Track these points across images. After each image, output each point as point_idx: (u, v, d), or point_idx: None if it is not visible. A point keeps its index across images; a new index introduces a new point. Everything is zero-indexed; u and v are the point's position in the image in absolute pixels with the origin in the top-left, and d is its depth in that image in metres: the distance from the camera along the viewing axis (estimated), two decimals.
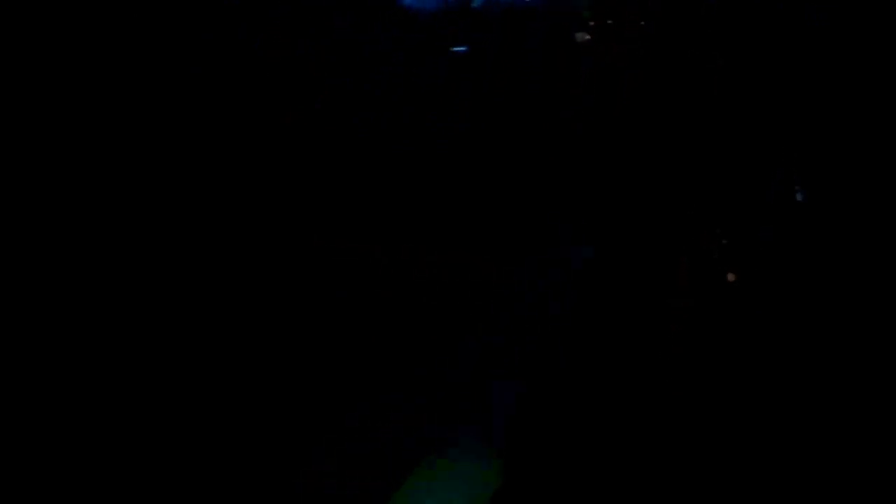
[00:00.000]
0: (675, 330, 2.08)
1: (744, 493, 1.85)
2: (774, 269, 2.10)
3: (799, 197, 2.10)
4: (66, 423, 1.91)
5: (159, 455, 1.88)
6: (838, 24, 2.16)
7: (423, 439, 1.85)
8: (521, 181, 2.55)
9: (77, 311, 2.08)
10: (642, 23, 2.39)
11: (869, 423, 1.89)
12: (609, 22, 2.41)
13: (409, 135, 2.55)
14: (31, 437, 1.89)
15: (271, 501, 1.83)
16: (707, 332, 2.07)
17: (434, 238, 2.50)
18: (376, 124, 2.53)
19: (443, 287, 2.36)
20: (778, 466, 1.87)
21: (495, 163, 2.58)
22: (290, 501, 1.82)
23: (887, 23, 2.13)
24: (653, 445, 1.92)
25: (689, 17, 2.27)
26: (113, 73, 2.21)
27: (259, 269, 2.28)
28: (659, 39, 2.32)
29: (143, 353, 2.07)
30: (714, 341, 2.06)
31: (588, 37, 2.44)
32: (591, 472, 1.87)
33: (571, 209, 2.42)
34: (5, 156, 2.10)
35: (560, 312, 2.15)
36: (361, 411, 1.99)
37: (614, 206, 2.26)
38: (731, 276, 2.09)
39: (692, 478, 1.87)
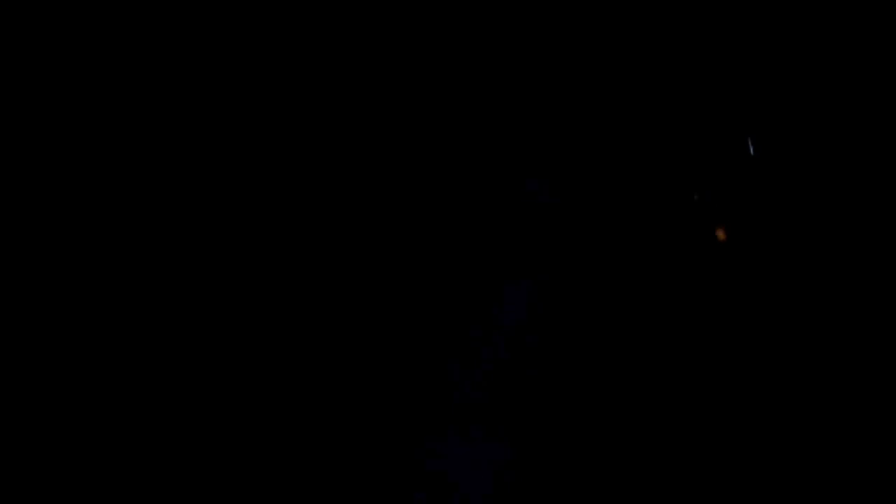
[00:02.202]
0: (675, 330, 2.08)
1: (744, 491, 1.85)
2: (772, 266, 2.09)
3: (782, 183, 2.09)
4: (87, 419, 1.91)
5: (159, 455, 1.88)
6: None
7: (425, 439, 1.85)
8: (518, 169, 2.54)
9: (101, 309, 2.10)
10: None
11: (868, 419, 1.88)
12: None
13: (409, 135, 2.54)
14: (31, 436, 1.89)
15: (271, 501, 1.83)
16: (707, 329, 2.07)
17: (434, 237, 2.49)
18: (376, 124, 2.53)
19: (443, 287, 2.35)
20: (778, 463, 1.86)
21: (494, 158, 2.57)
22: (289, 501, 1.82)
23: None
24: (654, 444, 1.91)
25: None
26: (112, 72, 2.22)
27: (258, 269, 2.28)
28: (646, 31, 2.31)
29: (140, 355, 2.07)
30: (713, 338, 2.05)
31: None
32: (597, 471, 1.86)
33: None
34: (5, 156, 2.11)
35: (555, 312, 2.14)
36: (361, 411, 1.99)
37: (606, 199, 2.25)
38: (721, 234, 2.07)
39: (693, 477, 1.86)
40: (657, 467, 1.89)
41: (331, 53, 2.38)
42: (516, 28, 2.37)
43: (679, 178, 2.14)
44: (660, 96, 2.24)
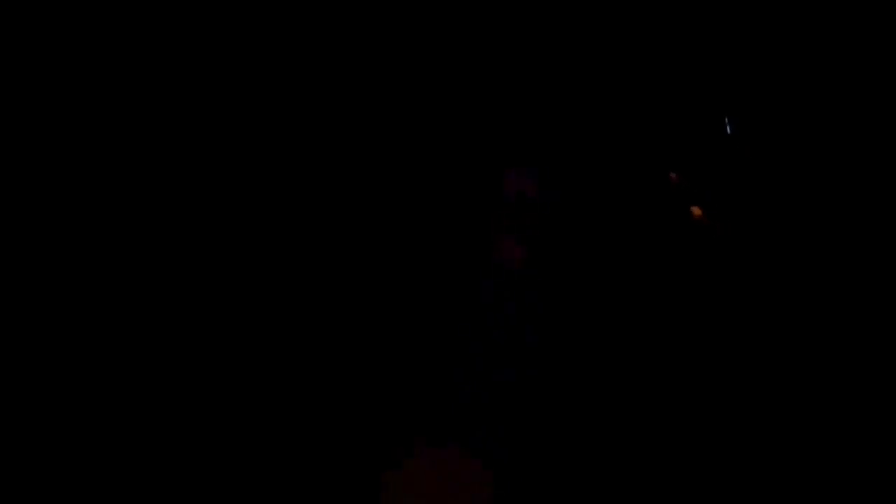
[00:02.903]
0: (674, 329, 2.08)
1: (744, 493, 1.85)
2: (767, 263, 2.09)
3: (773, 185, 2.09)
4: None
5: (157, 455, 1.88)
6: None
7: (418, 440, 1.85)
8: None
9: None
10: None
11: (866, 414, 1.88)
12: None
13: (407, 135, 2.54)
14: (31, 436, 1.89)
15: (269, 501, 1.83)
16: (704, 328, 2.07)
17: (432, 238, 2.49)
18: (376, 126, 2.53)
19: (441, 289, 2.35)
20: (777, 460, 1.86)
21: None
22: (288, 501, 1.82)
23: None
24: (653, 443, 1.92)
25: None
26: (110, 72, 2.22)
27: (255, 272, 2.28)
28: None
29: (136, 356, 2.07)
30: (711, 338, 2.05)
31: None
32: (592, 473, 1.86)
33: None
34: (6, 156, 2.11)
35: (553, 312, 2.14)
36: (359, 411, 1.99)
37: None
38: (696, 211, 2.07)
39: (692, 478, 1.86)
40: (656, 465, 1.89)
41: (317, 54, 2.38)
42: (492, 28, 2.37)
43: (656, 159, 2.14)
44: (635, 81, 2.24)
